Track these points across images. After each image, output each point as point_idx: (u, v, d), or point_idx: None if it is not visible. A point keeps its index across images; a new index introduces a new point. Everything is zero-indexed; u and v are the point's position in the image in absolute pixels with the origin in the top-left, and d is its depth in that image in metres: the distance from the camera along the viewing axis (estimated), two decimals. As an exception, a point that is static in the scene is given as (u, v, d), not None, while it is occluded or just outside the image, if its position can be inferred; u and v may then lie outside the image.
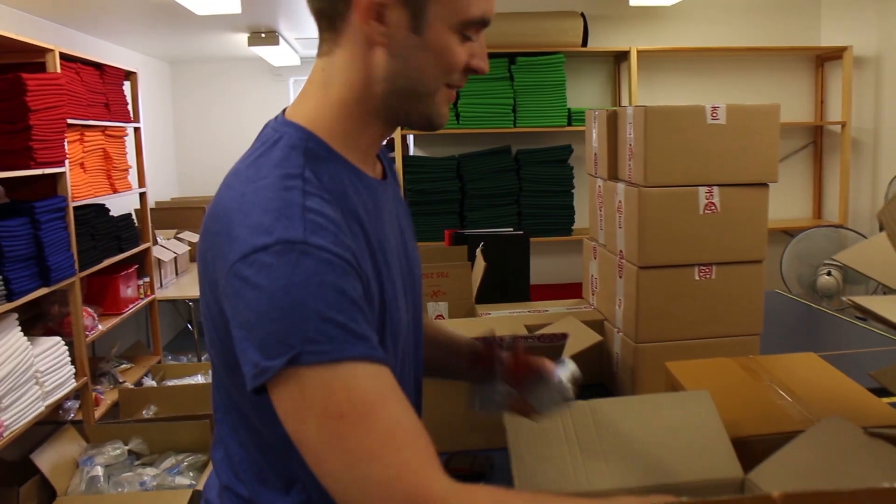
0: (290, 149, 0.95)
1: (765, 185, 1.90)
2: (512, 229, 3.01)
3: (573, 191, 4.21)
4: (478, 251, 2.56)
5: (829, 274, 3.78)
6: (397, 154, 4.10)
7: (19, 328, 3.11)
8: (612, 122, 2.05)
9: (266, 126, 1.03)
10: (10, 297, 2.99)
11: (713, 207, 1.86)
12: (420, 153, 4.36)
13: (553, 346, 1.66)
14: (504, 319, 2.09)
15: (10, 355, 2.97)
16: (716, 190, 1.85)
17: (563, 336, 1.65)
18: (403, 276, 1.07)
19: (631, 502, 0.89)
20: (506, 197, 4.13)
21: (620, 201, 1.96)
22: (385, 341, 0.97)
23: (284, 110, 1.02)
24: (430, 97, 1.00)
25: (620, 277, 1.98)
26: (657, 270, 1.87)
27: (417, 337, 1.14)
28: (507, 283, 2.65)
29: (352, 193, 0.97)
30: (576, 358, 1.85)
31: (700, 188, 1.85)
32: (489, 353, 1.26)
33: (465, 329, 1.93)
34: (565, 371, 1.22)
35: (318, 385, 0.82)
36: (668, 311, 1.89)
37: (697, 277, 1.88)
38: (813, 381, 1.53)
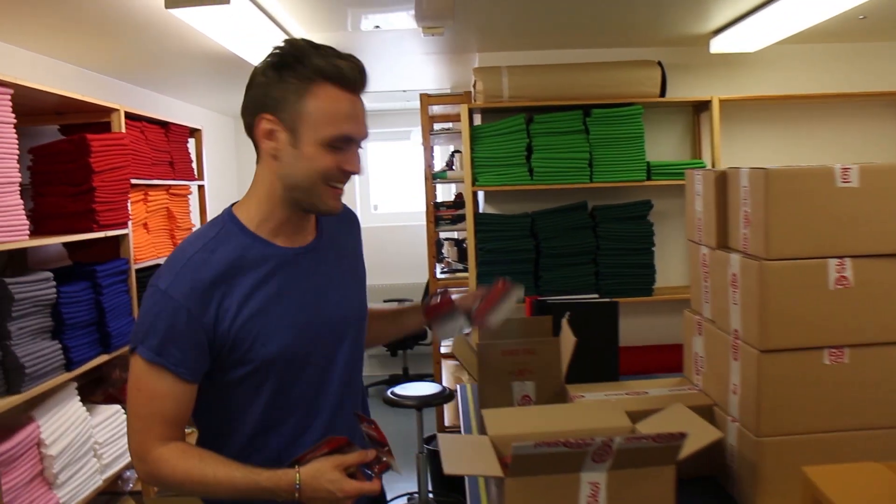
0: (210, 226, 1.51)
1: (905, 255, 1.66)
2: (598, 296, 2.80)
3: (653, 248, 3.97)
4: (563, 322, 2.34)
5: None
6: (468, 211, 3.93)
7: (78, 398, 2.99)
8: (721, 185, 1.84)
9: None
10: (69, 367, 2.87)
11: (845, 281, 1.63)
12: (491, 210, 4.17)
13: (670, 446, 1.44)
14: (601, 405, 1.88)
15: (69, 428, 2.84)
16: (848, 262, 1.62)
17: (681, 436, 1.42)
18: (309, 315, 1.52)
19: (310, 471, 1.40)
20: (582, 256, 3.90)
21: (735, 274, 1.74)
22: (249, 362, 1.46)
23: (232, 205, 1.55)
24: (310, 192, 1.46)
25: (735, 360, 1.75)
26: (781, 354, 1.64)
27: (341, 356, 1.59)
28: (595, 357, 2.42)
29: (246, 262, 1.46)
30: (691, 455, 1.64)
31: (830, 260, 1.62)
32: (447, 300, 1.81)
33: (553, 422, 1.72)
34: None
35: (136, 367, 1.43)
36: (795, 401, 1.65)
37: (827, 362, 1.65)
38: None
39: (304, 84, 1.40)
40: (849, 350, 1.64)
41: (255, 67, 1.48)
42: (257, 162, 1.51)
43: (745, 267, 1.69)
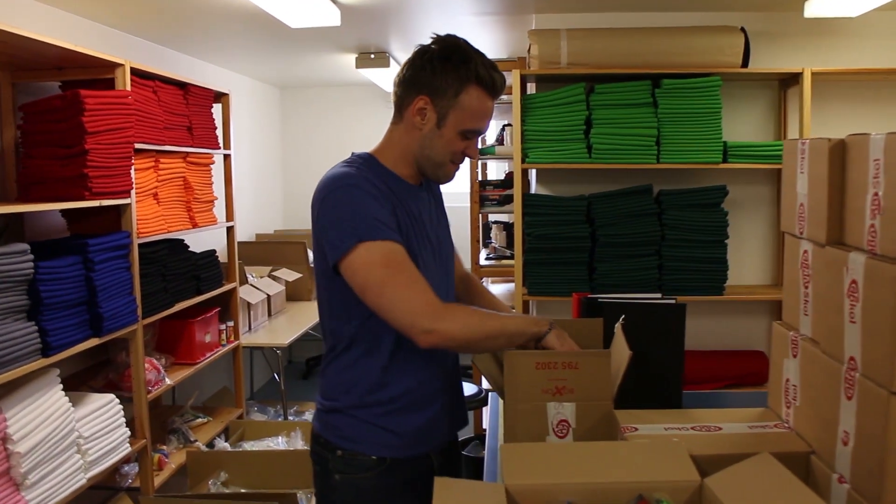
0: (357, 158, 1.81)
1: None
2: (660, 294, 2.33)
3: (727, 241, 3.47)
4: (617, 328, 1.89)
5: None
6: (516, 191, 3.47)
7: (61, 387, 2.64)
8: (838, 158, 1.36)
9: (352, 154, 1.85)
10: (45, 352, 2.52)
11: None
12: (543, 191, 3.70)
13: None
14: (659, 446, 1.42)
15: (44, 420, 2.50)
16: None
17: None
18: (432, 243, 1.84)
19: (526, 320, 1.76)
20: (645, 246, 3.41)
21: (855, 281, 1.26)
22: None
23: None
24: (438, 165, 1.81)
25: (849, 399, 1.28)
26: (921, 397, 1.17)
27: (448, 285, 1.93)
28: (654, 372, 1.96)
29: (389, 184, 1.75)
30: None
31: None
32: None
33: (593, 469, 1.28)
34: None
35: (374, 250, 1.61)
36: (936, 463, 1.18)
37: None
38: None
39: (463, 83, 1.70)
40: None
41: (422, 49, 1.75)
42: (394, 122, 1.81)
43: (872, 272, 1.21)
